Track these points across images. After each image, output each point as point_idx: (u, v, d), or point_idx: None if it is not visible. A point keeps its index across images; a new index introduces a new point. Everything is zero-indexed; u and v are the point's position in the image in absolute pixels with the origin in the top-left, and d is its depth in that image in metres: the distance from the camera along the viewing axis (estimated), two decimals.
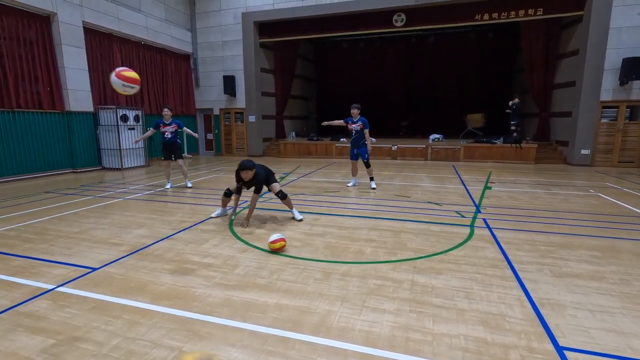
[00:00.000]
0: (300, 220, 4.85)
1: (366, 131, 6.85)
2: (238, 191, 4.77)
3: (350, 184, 7.37)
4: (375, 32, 13.36)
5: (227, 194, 4.90)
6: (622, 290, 2.86)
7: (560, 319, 2.43)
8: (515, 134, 11.31)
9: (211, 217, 5.03)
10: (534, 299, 2.71)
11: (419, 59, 17.25)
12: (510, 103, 11.44)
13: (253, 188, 4.58)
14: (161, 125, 7.03)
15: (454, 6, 11.12)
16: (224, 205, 5.06)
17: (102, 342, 2.21)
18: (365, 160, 6.98)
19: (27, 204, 5.95)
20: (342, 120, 7.05)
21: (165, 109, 7.03)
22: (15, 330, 2.35)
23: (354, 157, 7.15)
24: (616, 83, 9.95)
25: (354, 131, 6.92)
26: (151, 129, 7.31)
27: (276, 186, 4.86)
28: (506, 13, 10.82)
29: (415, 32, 15.19)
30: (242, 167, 4.39)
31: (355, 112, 6.83)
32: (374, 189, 6.98)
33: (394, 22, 11.86)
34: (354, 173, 7.38)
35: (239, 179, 4.55)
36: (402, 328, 2.34)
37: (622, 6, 9.63)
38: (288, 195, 4.90)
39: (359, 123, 6.84)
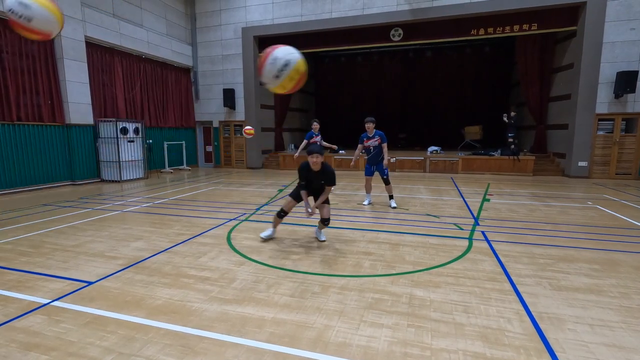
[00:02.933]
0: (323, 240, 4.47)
1: (384, 145, 6.35)
2: (296, 197, 4.21)
3: (365, 202, 6.79)
4: (373, 46, 13.56)
5: (281, 215, 4.41)
6: (622, 304, 2.84)
7: (559, 334, 2.41)
8: (512, 146, 11.40)
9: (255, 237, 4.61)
10: (533, 313, 2.69)
11: (417, 73, 17.50)
12: (513, 114, 11.59)
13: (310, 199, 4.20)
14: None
15: (450, 22, 11.32)
16: (275, 225, 4.57)
17: (96, 358, 2.18)
18: (384, 177, 6.51)
19: (25, 217, 5.93)
20: (359, 145, 6.60)
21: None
22: (8, 346, 2.32)
23: (370, 174, 6.64)
24: (611, 96, 10.07)
25: (371, 147, 6.43)
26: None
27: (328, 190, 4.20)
28: (501, 28, 11.03)
29: (413, 47, 15.49)
30: (310, 152, 3.93)
31: (370, 126, 6.36)
32: (394, 207, 6.43)
33: (391, 36, 12.07)
34: (369, 190, 6.86)
35: (304, 174, 4.16)
36: (401, 343, 2.32)
37: (615, 21, 9.83)
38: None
39: (376, 138, 6.35)
